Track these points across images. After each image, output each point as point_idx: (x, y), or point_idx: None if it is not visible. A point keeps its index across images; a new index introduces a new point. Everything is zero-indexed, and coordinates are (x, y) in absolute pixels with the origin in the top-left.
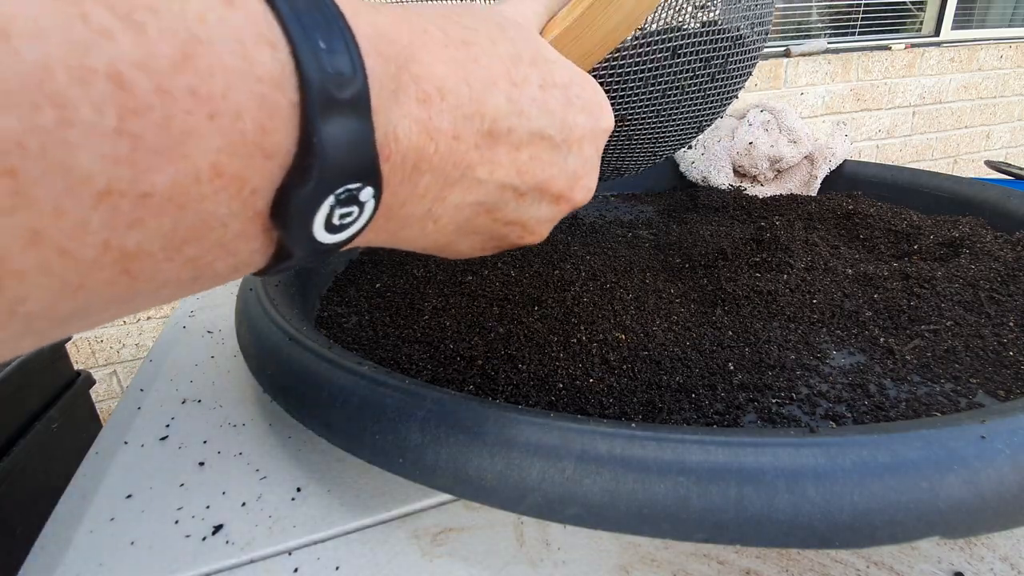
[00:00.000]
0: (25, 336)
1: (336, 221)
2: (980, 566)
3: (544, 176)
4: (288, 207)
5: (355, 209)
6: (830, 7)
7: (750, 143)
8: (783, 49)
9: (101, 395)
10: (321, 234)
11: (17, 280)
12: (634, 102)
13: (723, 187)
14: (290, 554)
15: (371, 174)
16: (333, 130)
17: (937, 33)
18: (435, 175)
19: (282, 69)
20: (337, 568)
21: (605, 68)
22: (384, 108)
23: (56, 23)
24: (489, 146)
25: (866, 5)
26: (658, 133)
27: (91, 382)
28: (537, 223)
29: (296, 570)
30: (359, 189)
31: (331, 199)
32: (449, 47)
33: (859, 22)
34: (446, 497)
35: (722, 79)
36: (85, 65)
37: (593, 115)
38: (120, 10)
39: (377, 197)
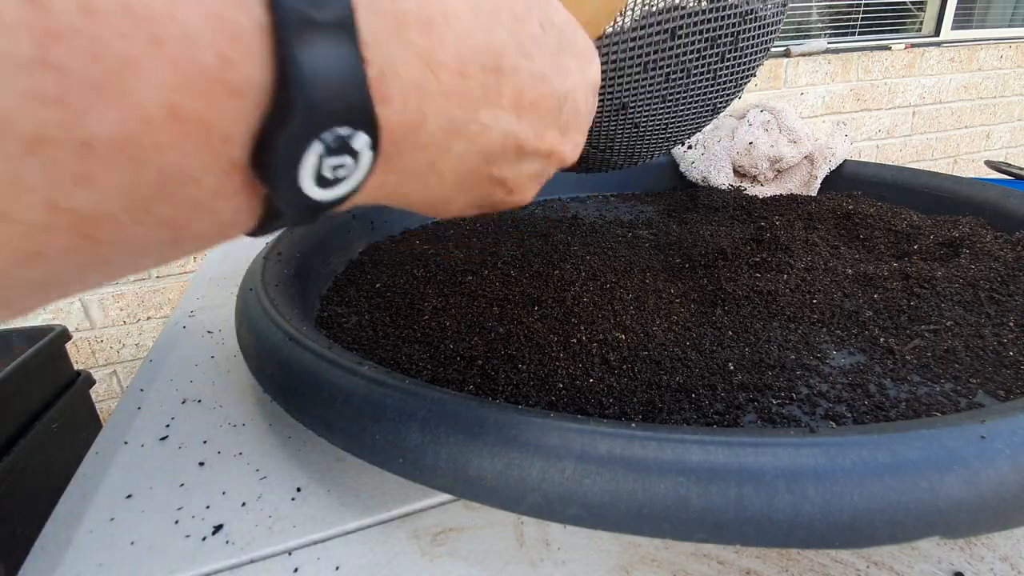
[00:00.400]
0: None
1: (328, 173)
2: (980, 566)
3: (539, 125)
4: (269, 156)
5: (348, 160)
6: (830, 7)
7: (750, 143)
8: (783, 49)
9: (101, 395)
10: (312, 188)
11: None
12: (635, 89)
13: (723, 187)
14: (290, 554)
15: (365, 118)
16: (313, 59)
17: (937, 33)
18: (440, 120)
19: None
20: (337, 568)
21: (603, 54)
22: (377, 39)
23: None
24: (496, 83)
25: (866, 5)
26: (667, 118)
27: (91, 382)
28: (527, 180)
29: (296, 570)
30: (351, 135)
31: (318, 146)
32: None
33: (859, 22)
34: (446, 497)
35: (734, 59)
36: None
37: (583, 63)
38: None
39: (374, 147)
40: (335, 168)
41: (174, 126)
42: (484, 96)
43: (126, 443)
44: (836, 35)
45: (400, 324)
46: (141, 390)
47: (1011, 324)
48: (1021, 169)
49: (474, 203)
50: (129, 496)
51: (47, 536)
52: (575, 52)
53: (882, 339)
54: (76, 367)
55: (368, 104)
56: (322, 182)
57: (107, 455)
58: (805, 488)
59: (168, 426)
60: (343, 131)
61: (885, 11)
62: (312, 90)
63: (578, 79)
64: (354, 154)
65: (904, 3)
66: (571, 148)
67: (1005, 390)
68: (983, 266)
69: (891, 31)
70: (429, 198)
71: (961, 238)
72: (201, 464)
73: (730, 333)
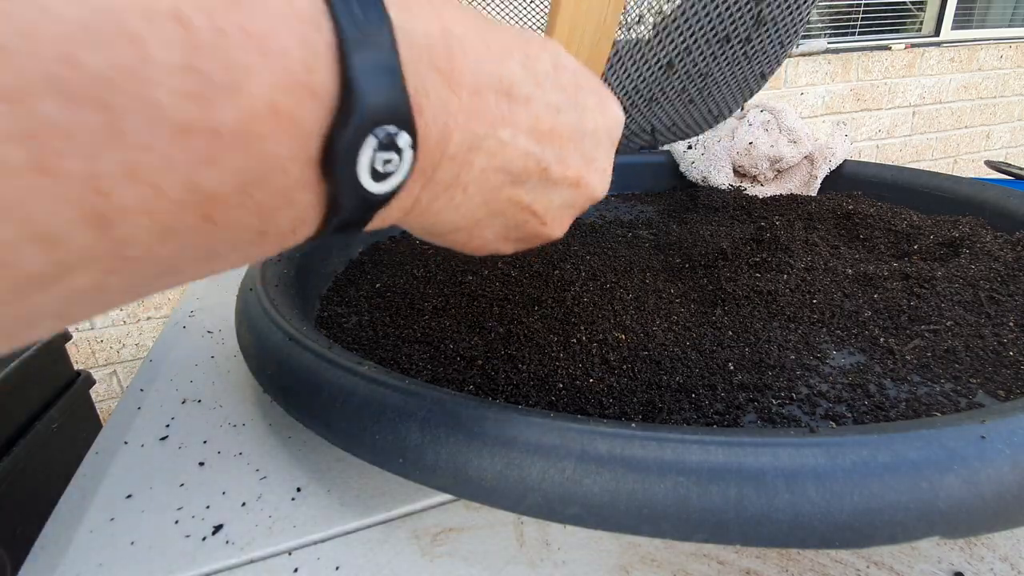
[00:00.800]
0: (127, 289)
1: (379, 167)
2: (980, 566)
3: (562, 152)
4: (336, 145)
5: (395, 156)
6: (830, 7)
7: (750, 143)
8: None
9: (101, 395)
10: (367, 180)
11: (123, 217)
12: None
13: (723, 187)
14: (290, 554)
15: (406, 119)
16: (367, 70)
17: (937, 33)
18: (462, 133)
19: (317, 11)
20: (337, 568)
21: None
22: (413, 62)
23: None
24: (509, 108)
25: (866, 5)
26: (710, 78)
27: (91, 382)
28: (557, 210)
29: (296, 570)
30: (396, 133)
31: (372, 140)
32: (468, 16)
33: (859, 22)
34: (446, 497)
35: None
36: (150, 6)
37: (602, 101)
38: None
39: (414, 146)
40: (385, 162)
41: (274, 120)
42: (500, 116)
43: (126, 443)
44: (836, 35)
45: (400, 324)
46: (141, 390)
47: (1011, 324)
48: (1021, 169)
49: (508, 232)
50: (129, 496)
51: (47, 536)
52: (592, 90)
53: (882, 339)
54: (76, 367)
55: (408, 110)
56: (375, 175)
57: (107, 455)
58: (805, 488)
59: (168, 426)
60: (391, 129)
61: (885, 11)
62: (367, 95)
63: (598, 114)
64: (399, 151)
65: (904, 3)
66: (599, 179)
67: (1005, 390)
68: (983, 266)
69: (891, 31)
70: (462, 220)
71: (961, 238)
72: (201, 464)
73: (730, 333)
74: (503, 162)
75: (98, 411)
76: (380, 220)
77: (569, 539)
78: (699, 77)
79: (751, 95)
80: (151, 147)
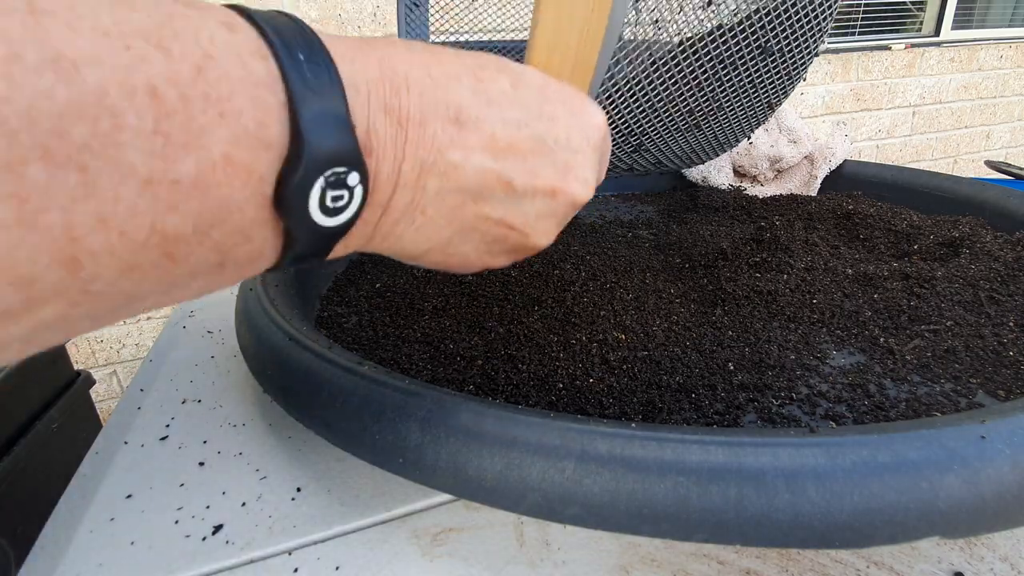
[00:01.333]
0: (91, 318)
1: (329, 203)
2: (980, 566)
3: (529, 164)
4: (287, 188)
5: (345, 193)
6: None
7: (750, 143)
8: None
9: (101, 395)
10: (318, 215)
11: (91, 259)
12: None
13: (723, 187)
14: (290, 554)
15: (354, 160)
16: (315, 122)
17: (937, 33)
18: (411, 162)
19: (272, 76)
20: (337, 568)
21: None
22: (361, 108)
23: (108, 53)
24: (457, 132)
25: (866, 5)
26: (714, 115)
27: (91, 382)
28: (536, 220)
29: (296, 570)
30: (345, 173)
31: (321, 180)
32: (414, 53)
33: (859, 22)
34: (446, 497)
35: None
36: (129, 82)
37: (574, 109)
38: (152, 39)
39: (364, 182)
40: (335, 199)
41: (228, 169)
42: (448, 140)
43: (126, 443)
44: (836, 35)
45: (400, 324)
46: (141, 390)
47: (1011, 324)
48: (1021, 169)
49: (489, 247)
50: (129, 496)
51: (47, 536)
52: (561, 100)
53: (882, 339)
54: (76, 367)
55: (356, 152)
56: (325, 210)
57: (107, 455)
58: (805, 488)
59: (168, 426)
60: (340, 170)
61: (885, 11)
62: (314, 143)
63: (570, 123)
64: (349, 189)
65: (904, 3)
66: (579, 186)
67: (1005, 390)
68: (983, 266)
69: (891, 31)
70: (429, 240)
71: (961, 238)
72: (201, 464)
73: (730, 333)
74: (458, 183)
75: (98, 411)
76: (343, 248)
77: (569, 539)
78: (708, 109)
79: (759, 125)
80: (120, 198)
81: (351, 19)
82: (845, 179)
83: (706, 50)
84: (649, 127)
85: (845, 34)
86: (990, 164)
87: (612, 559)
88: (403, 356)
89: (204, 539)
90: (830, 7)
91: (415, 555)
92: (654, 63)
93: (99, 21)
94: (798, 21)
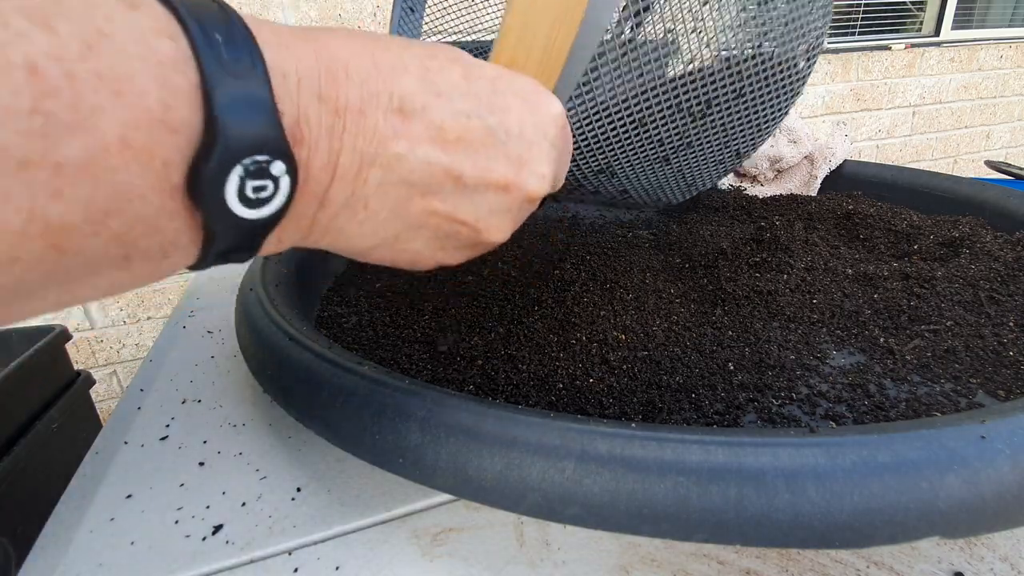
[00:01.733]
0: None
1: (251, 193)
2: (980, 566)
3: (480, 157)
4: (199, 176)
5: (268, 183)
6: None
7: None
8: None
9: (101, 395)
10: (238, 207)
11: None
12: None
13: (723, 187)
14: (290, 554)
15: (279, 149)
16: (232, 108)
17: (937, 33)
18: (350, 154)
19: (181, 55)
20: (337, 568)
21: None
22: (290, 95)
23: None
24: (401, 122)
25: (866, 5)
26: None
27: (91, 382)
28: (490, 216)
29: (296, 570)
30: (268, 162)
31: (239, 169)
32: (356, 40)
33: (859, 22)
34: (446, 497)
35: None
36: (4, 60)
37: (529, 101)
38: (36, 17)
39: (292, 173)
40: (256, 189)
41: (125, 152)
42: (392, 131)
43: (126, 443)
44: (836, 35)
45: (400, 324)
46: (141, 390)
47: (1011, 324)
48: (1021, 169)
49: (440, 245)
50: (129, 496)
51: (47, 536)
52: (516, 92)
53: (882, 339)
54: (76, 367)
55: (282, 140)
56: (247, 201)
57: (107, 455)
58: (805, 488)
59: (168, 426)
60: (261, 158)
61: (885, 11)
62: (230, 129)
63: (524, 115)
64: (274, 179)
65: (904, 3)
66: (535, 180)
67: (1005, 390)
68: (983, 266)
69: (891, 31)
70: (375, 235)
71: (961, 238)
72: (201, 464)
73: (730, 333)
74: (403, 175)
75: (98, 411)
76: (275, 242)
77: (569, 539)
78: (678, 142)
79: (727, 173)
80: None
81: (351, 19)
82: (845, 179)
83: (684, 84)
84: (618, 146)
85: (845, 34)
86: (990, 164)
87: (612, 559)
88: (403, 356)
89: (204, 539)
90: (798, 78)
91: (415, 555)
92: (632, 85)
93: None
94: (769, 80)
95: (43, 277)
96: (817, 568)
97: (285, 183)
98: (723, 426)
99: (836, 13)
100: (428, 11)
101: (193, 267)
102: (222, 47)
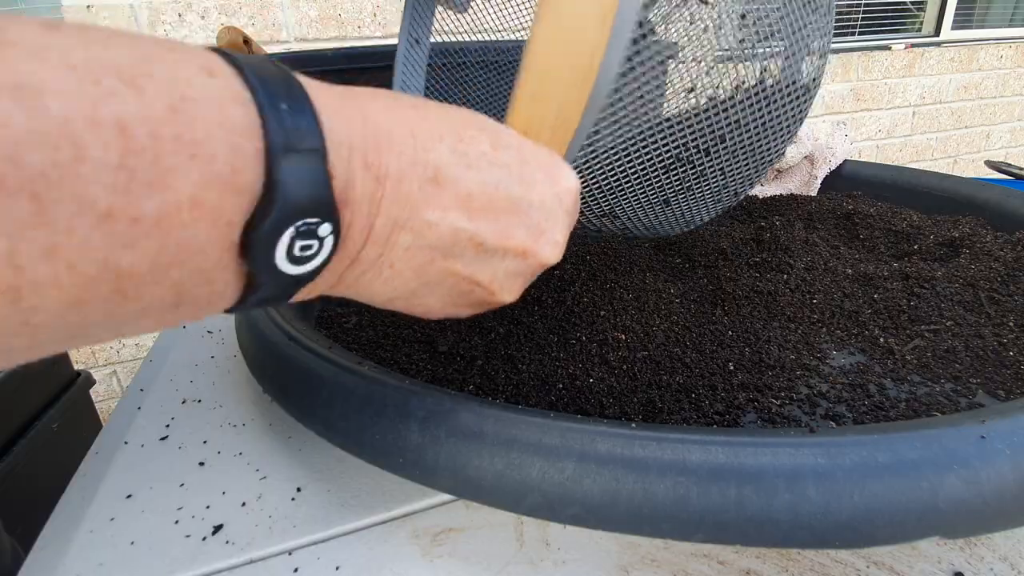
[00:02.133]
0: (31, 348)
1: (297, 252)
2: (980, 566)
3: (502, 225)
4: (255, 235)
5: (315, 243)
6: None
7: None
8: None
9: (101, 395)
10: (284, 263)
11: (34, 290)
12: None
13: None
14: (290, 554)
15: (328, 212)
16: (292, 173)
17: (937, 33)
18: (384, 217)
19: (251, 123)
20: (337, 568)
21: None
22: (341, 162)
23: (76, 86)
24: (435, 191)
25: (866, 5)
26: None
27: (91, 382)
28: (505, 279)
29: (296, 570)
30: (317, 224)
31: (291, 230)
32: (397, 109)
33: (859, 22)
34: (446, 497)
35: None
36: (97, 116)
37: (550, 175)
38: (125, 76)
39: (336, 233)
40: (303, 248)
41: (195, 211)
42: (424, 199)
43: (126, 443)
44: (836, 35)
45: (400, 324)
46: (141, 390)
47: (1011, 324)
48: (1021, 169)
49: (453, 301)
50: (129, 496)
51: (47, 536)
52: (539, 164)
53: (882, 339)
54: (76, 367)
55: (331, 203)
56: (292, 259)
57: (107, 455)
58: (805, 488)
59: (168, 426)
60: (312, 220)
61: (885, 11)
62: (289, 192)
63: (546, 186)
64: (319, 239)
65: (904, 3)
66: (550, 248)
67: (1005, 390)
68: (983, 266)
69: (891, 31)
70: (396, 291)
71: (961, 238)
72: (201, 464)
73: (730, 333)
74: (431, 240)
75: (98, 411)
76: (306, 292)
77: (569, 539)
78: (679, 188)
79: (724, 209)
80: (73, 231)
81: (351, 19)
82: (845, 179)
83: (682, 132)
84: (622, 196)
85: (845, 34)
86: (990, 164)
87: (612, 559)
88: (403, 356)
89: (204, 539)
90: (792, 120)
91: (415, 555)
92: (632, 138)
93: (69, 55)
94: (767, 124)
95: (102, 318)
96: (817, 568)
97: (328, 243)
98: (723, 426)
99: (836, 13)
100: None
101: (228, 311)
102: (286, 115)
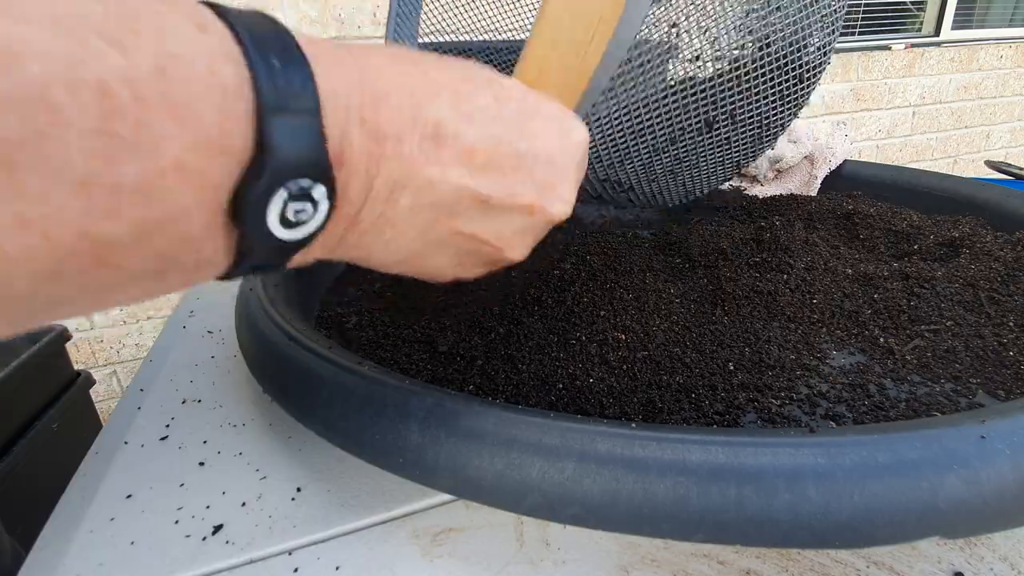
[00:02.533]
0: (10, 323)
1: (291, 216)
2: (980, 566)
3: (507, 182)
4: (244, 197)
5: (308, 206)
6: None
7: None
8: None
9: (101, 395)
10: (277, 228)
11: (6, 262)
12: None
13: (723, 187)
14: (290, 554)
15: (322, 174)
16: (284, 134)
17: (937, 33)
18: (383, 178)
19: (242, 82)
20: (337, 568)
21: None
22: (337, 121)
23: (57, 45)
24: (435, 148)
25: (866, 5)
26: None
27: (91, 382)
28: (512, 237)
29: (296, 570)
30: (311, 186)
31: (283, 192)
32: (396, 64)
33: (859, 22)
34: (446, 497)
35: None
36: (77, 78)
37: (558, 127)
38: (109, 35)
39: (331, 196)
40: (297, 212)
41: (180, 175)
42: (424, 157)
43: (126, 443)
44: None
45: (400, 324)
46: (141, 390)
47: (1011, 324)
48: (1021, 169)
49: (462, 259)
50: (129, 496)
51: (47, 536)
52: (545, 116)
53: (882, 339)
54: (76, 367)
55: (326, 166)
56: (286, 223)
57: (107, 455)
58: (805, 488)
59: (168, 426)
60: (304, 182)
61: (885, 11)
62: (280, 153)
63: (552, 141)
64: (313, 202)
65: (904, 3)
66: (559, 204)
67: (1005, 390)
68: (983, 266)
69: (891, 31)
70: (400, 252)
71: (961, 238)
72: (201, 464)
73: (730, 333)
74: (432, 199)
75: (98, 411)
76: (301, 257)
77: (569, 539)
78: (685, 153)
79: (725, 181)
80: (47, 199)
81: (351, 19)
82: (845, 179)
83: (694, 95)
84: (627, 158)
85: (845, 34)
86: (990, 164)
87: (612, 559)
88: (403, 356)
89: (204, 539)
90: (811, 73)
91: (415, 555)
92: (645, 100)
93: (51, 11)
94: (775, 85)
95: (81, 288)
96: (817, 568)
97: (324, 206)
98: (723, 426)
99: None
100: (428, 7)
101: (221, 278)
102: (278, 72)
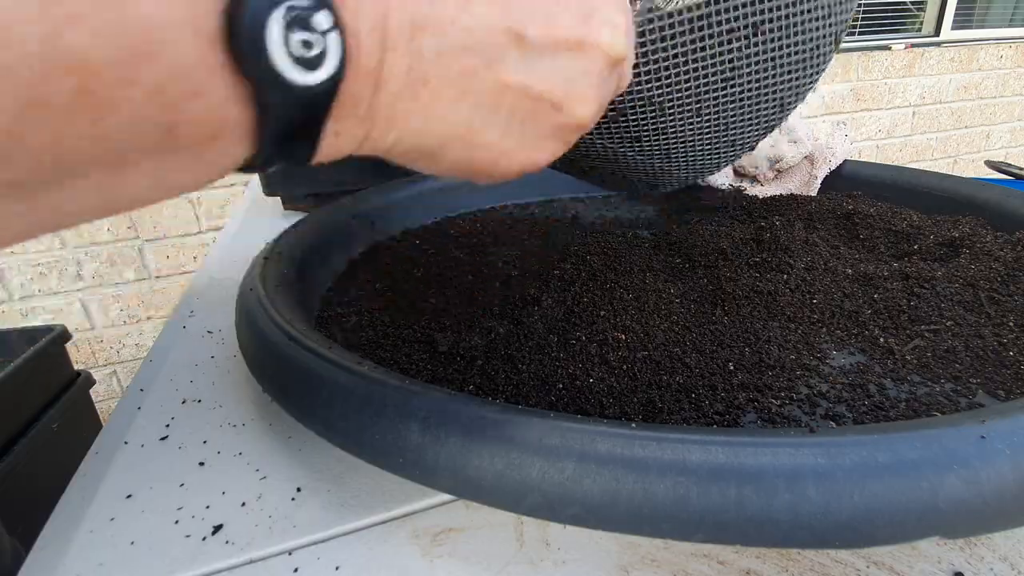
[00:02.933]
0: (12, 194)
1: (298, 50)
2: (980, 566)
3: (539, 12)
4: (237, 23)
5: (315, 38)
6: None
7: None
8: None
9: (101, 395)
10: (287, 65)
11: None
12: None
13: (723, 187)
14: (290, 554)
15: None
16: None
17: (937, 33)
18: (398, 14)
19: None
20: (337, 568)
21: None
22: None
23: None
24: None
25: (866, 5)
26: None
27: (91, 382)
28: (568, 85)
29: (296, 570)
30: (309, 10)
31: (280, 15)
32: None
33: (859, 22)
34: (446, 497)
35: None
36: None
37: None
38: None
39: (340, 30)
40: (304, 44)
41: None
42: None
43: (126, 443)
44: None
45: (400, 324)
46: (141, 390)
47: (1011, 324)
48: (1021, 169)
49: (522, 129)
50: (129, 496)
51: (47, 536)
52: None
53: (882, 339)
54: (76, 367)
55: None
56: (296, 60)
57: (107, 455)
58: (805, 488)
59: (168, 426)
60: (302, 2)
61: (885, 11)
62: None
63: None
64: (320, 33)
65: (904, 3)
66: (608, 32)
67: (1005, 390)
68: (983, 266)
69: (891, 31)
70: (443, 122)
71: (961, 238)
72: (201, 464)
73: (730, 333)
74: (459, 39)
75: (98, 411)
76: (334, 137)
77: (569, 539)
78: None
79: (728, 164)
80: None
81: None
82: (845, 179)
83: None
84: (665, 79)
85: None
86: (990, 164)
87: (612, 559)
88: (403, 356)
89: (204, 539)
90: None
91: (415, 555)
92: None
93: None
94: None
95: (80, 138)
96: (817, 568)
97: (334, 41)
98: (723, 426)
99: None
100: None
101: (251, 164)
102: None
